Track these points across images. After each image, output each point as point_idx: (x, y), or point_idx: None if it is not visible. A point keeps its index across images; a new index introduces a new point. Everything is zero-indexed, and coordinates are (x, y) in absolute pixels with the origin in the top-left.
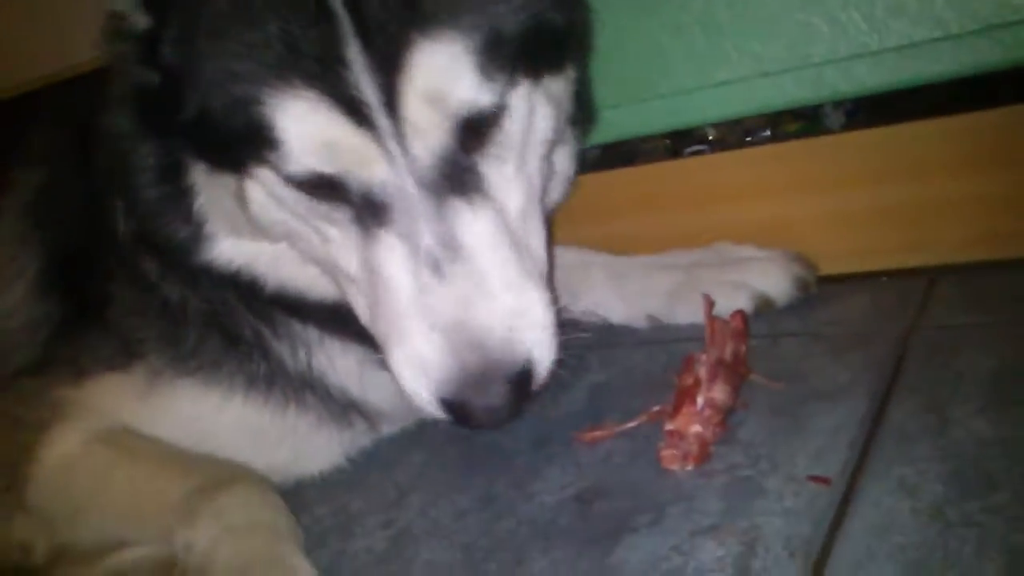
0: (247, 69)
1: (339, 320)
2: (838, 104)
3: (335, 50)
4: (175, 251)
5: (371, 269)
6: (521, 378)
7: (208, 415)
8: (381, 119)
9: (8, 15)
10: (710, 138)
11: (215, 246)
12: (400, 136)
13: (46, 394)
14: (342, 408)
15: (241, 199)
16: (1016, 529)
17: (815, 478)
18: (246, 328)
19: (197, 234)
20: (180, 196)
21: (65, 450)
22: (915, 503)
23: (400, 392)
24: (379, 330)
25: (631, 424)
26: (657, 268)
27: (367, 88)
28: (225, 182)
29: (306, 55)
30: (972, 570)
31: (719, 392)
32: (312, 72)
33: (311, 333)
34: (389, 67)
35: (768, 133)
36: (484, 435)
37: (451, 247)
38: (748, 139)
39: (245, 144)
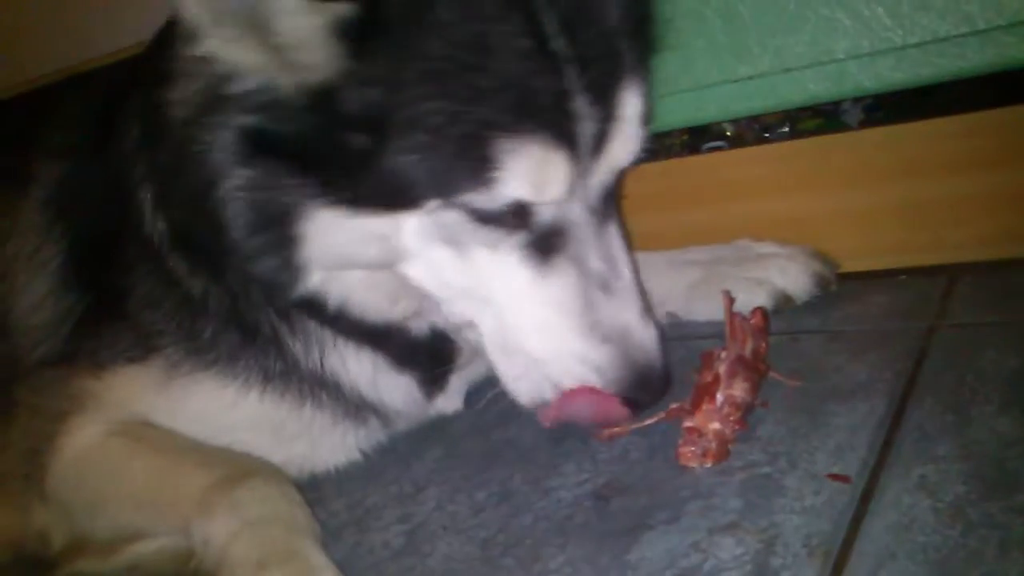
0: (475, 111)
1: (378, 335)
2: (857, 100)
3: (561, 92)
4: (269, 288)
5: (535, 289)
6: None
7: (225, 409)
8: (587, 155)
9: (21, 11)
10: (728, 134)
11: (308, 280)
12: (589, 174)
13: (66, 385)
14: (356, 407)
15: (376, 237)
16: None
17: (835, 476)
18: (265, 325)
19: (295, 276)
20: (283, 243)
21: (84, 441)
22: (936, 502)
23: (414, 397)
24: (523, 344)
25: (649, 421)
26: (676, 264)
27: (587, 129)
28: (362, 224)
29: (536, 97)
30: (994, 570)
31: (738, 389)
32: (542, 114)
33: (325, 333)
34: (604, 111)
35: (786, 130)
36: (502, 430)
37: (612, 266)
38: (766, 135)
39: (445, 181)
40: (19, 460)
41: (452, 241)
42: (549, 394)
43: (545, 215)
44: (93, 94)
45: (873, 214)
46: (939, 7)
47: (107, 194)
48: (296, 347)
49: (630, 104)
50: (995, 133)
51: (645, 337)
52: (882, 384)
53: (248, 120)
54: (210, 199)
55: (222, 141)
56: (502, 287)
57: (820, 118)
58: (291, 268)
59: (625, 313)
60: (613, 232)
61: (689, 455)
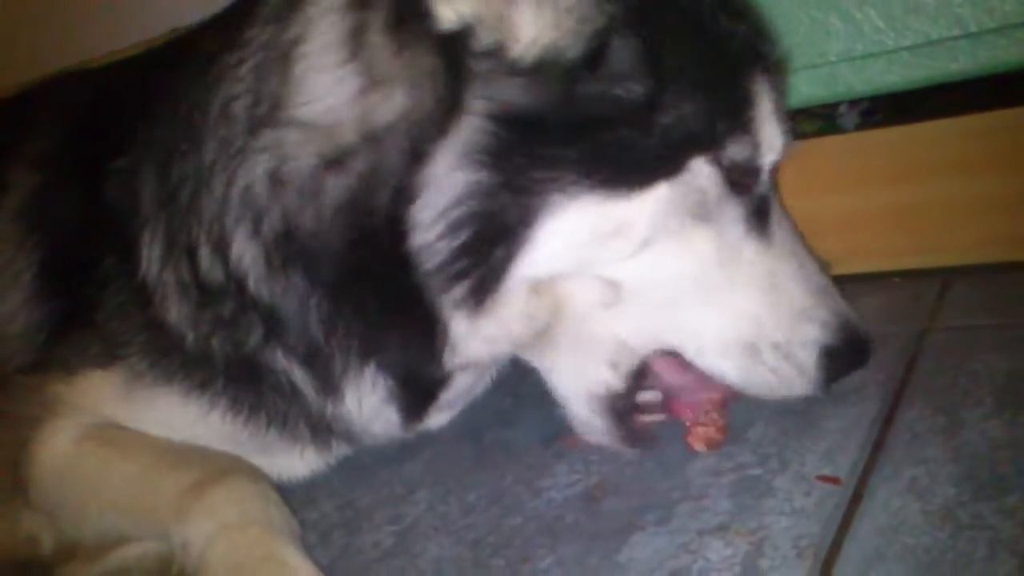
0: (728, 52)
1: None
2: (853, 104)
3: (776, 50)
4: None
5: (761, 259)
6: None
7: (186, 424)
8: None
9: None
10: None
11: (505, 309)
12: None
13: (39, 392)
14: (328, 432)
15: (621, 227)
16: None
17: (825, 478)
18: (273, 370)
19: (485, 299)
20: (496, 260)
21: (57, 448)
22: (926, 504)
23: (394, 424)
24: (760, 322)
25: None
26: None
27: (784, 89)
28: (613, 210)
29: (768, 45)
30: (983, 572)
31: None
32: (771, 60)
33: (351, 374)
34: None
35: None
36: (494, 432)
37: (797, 240)
38: None
39: (714, 129)
40: (2, 468)
41: (699, 218)
42: (789, 373)
43: (763, 180)
44: (73, 99)
45: (867, 217)
46: (931, 10)
47: (83, 207)
48: (307, 390)
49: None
50: (989, 137)
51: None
52: (874, 386)
53: (506, 96)
54: (394, 221)
55: (454, 139)
56: (731, 258)
57: (817, 121)
58: (487, 289)
59: (821, 276)
60: (783, 211)
61: (699, 436)
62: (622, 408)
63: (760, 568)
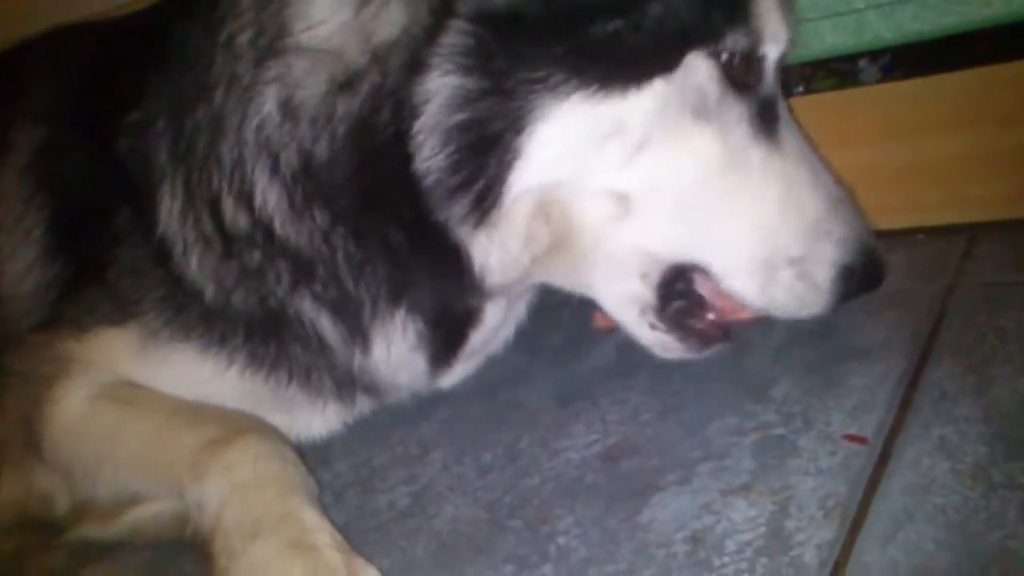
0: None
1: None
2: (874, 59)
3: None
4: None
5: (772, 163)
6: None
7: (202, 381)
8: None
9: None
10: None
11: (500, 222)
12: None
13: (51, 349)
14: (352, 385)
15: (618, 129)
16: None
17: (851, 437)
18: (300, 320)
19: (484, 216)
20: (491, 168)
21: (71, 407)
22: (956, 464)
23: (421, 372)
24: (774, 237)
25: None
26: None
27: None
28: (607, 111)
29: None
30: (1016, 532)
31: None
32: None
33: (380, 320)
34: None
35: (800, 90)
36: (509, 391)
37: (808, 147)
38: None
39: (708, 18)
40: (16, 427)
41: (700, 117)
42: (804, 292)
43: (768, 78)
44: (78, 51)
45: (890, 171)
46: None
47: (90, 161)
48: (331, 332)
49: None
50: (1014, 87)
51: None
52: (900, 344)
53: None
54: (398, 139)
55: (443, 45)
56: (741, 165)
57: (836, 77)
58: (488, 202)
59: (837, 186)
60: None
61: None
62: (672, 315)
63: (786, 529)
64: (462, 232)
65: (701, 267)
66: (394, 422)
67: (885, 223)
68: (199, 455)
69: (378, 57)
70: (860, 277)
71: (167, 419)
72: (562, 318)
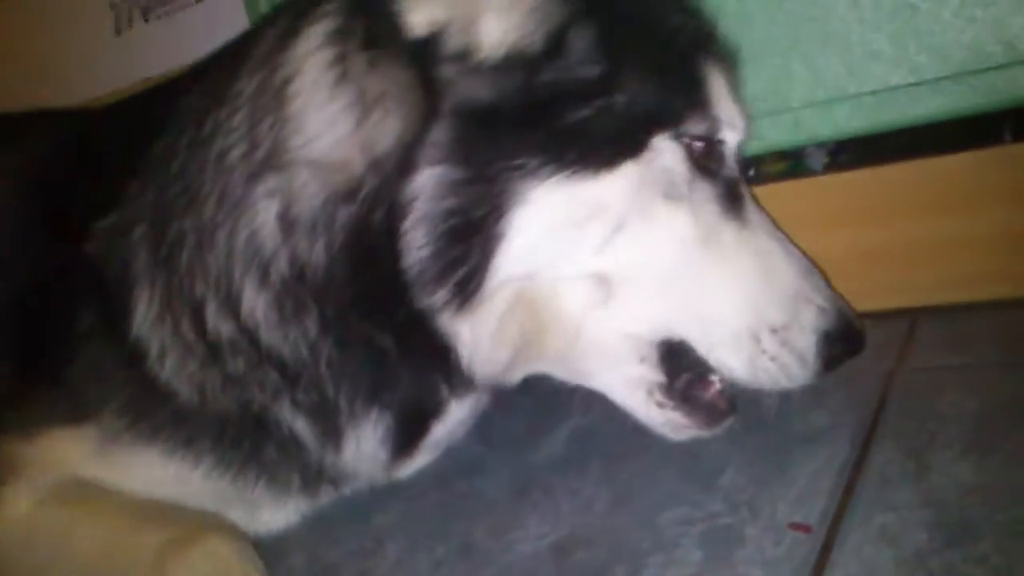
0: (682, 36)
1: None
2: (821, 144)
3: (724, 49)
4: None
5: (745, 239)
6: None
7: (163, 482)
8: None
9: None
10: None
11: (482, 309)
12: None
13: None
14: (316, 479)
15: (595, 209)
16: None
17: (796, 525)
18: (277, 423)
19: (469, 301)
20: (474, 254)
21: (16, 511)
22: (897, 552)
23: (383, 464)
24: (759, 308)
25: None
26: None
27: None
28: (582, 192)
29: (717, 42)
30: None
31: None
32: (720, 55)
33: (355, 420)
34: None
35: (751, 174)
36: (465, 481)
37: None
38: None
39: (671, 106)
40: None
41: (670, 198)
42: (789, 361)
43: (729, 162)
44: (56, 143)
45: (836, 257)
46: (889, 57)
47: (61, 266)
48: (306, 434)
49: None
50: (953, 178)
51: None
52: (844, 429)
53: (471, 93)
54: (390, 238)
55: (431, 143)
56: (715, 242)
57: (785, 162)
58: (471, 288)
59: (806, 260)
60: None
61: None
62: (679, 394)
63: None
64: (444, 320)
65: (686, 342)
66: (349, 513)
67: None
68: (159, 557)
69: (377, 164)
70: (842, 343)
71: (123, 520)
72: (521, 404)
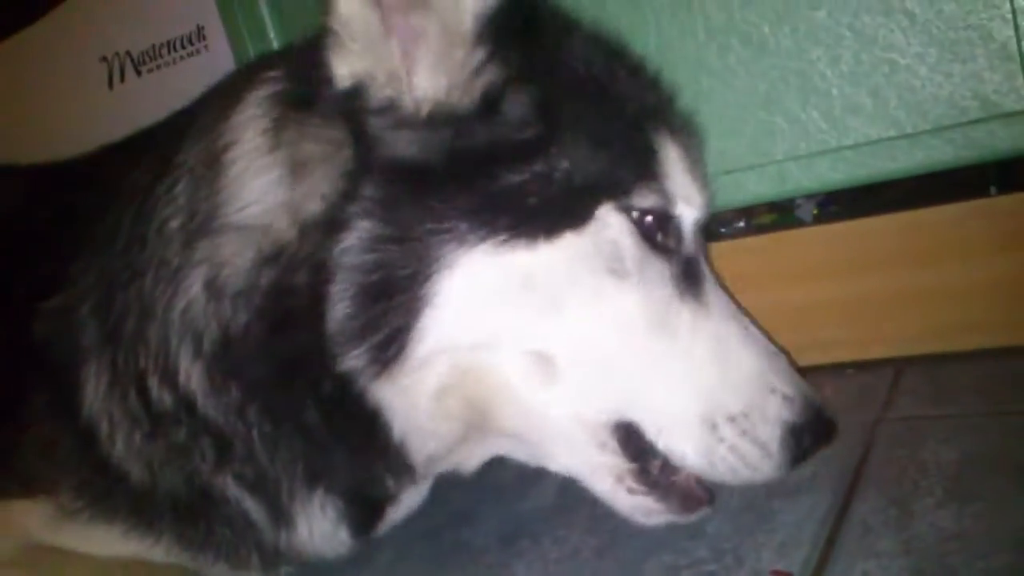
0: (630, 106)
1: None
2: (810, 196)
3: (682, 121)
4: (341, 391)
5: (702, 323)
6: None
7: (125, 555)
8: (703, 173)
9: None
10: None
11: (405, 375)
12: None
13: None
14: (275, 558)
15: (528, 284)
16: None
17: (779, 573)
18: (226, 499)
19: (393, 363)
20: (398, 315)
21: None
22: None
23: (343, 542)
24: (715, 398)
25: None
26: None
27: (697, 156)
28: (516, 262)
29: (672, 111)
30: None
31: None
32: (678, 124)
33: (300, 500)
34: (701, 155)
35: (742, 224)
36: (453, 532)
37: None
38: (722, 230)
39: (617, 176)
40: None
41: (616, 274)
42: (751, 452)
43: (687, 239)
44: None
45: (821, 308)
46: (869, 112)
47: (5, 350)
48: (260, 519)
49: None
50: (936, 229)
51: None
52: (827, 478)
53: (399, 149)
54: (314, 300)
55: (360, 192)
56: (668, 324)
57: (775, 213)
58: (393, 351)
59: (771, 346)
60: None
61: None
62: (652, 480)
63: None
64: (368, 385)
65: (636, 425)
66: (338, 565)
67: (817, 357)
68: None
69: (305, 227)
70: (811, 434)
71: None
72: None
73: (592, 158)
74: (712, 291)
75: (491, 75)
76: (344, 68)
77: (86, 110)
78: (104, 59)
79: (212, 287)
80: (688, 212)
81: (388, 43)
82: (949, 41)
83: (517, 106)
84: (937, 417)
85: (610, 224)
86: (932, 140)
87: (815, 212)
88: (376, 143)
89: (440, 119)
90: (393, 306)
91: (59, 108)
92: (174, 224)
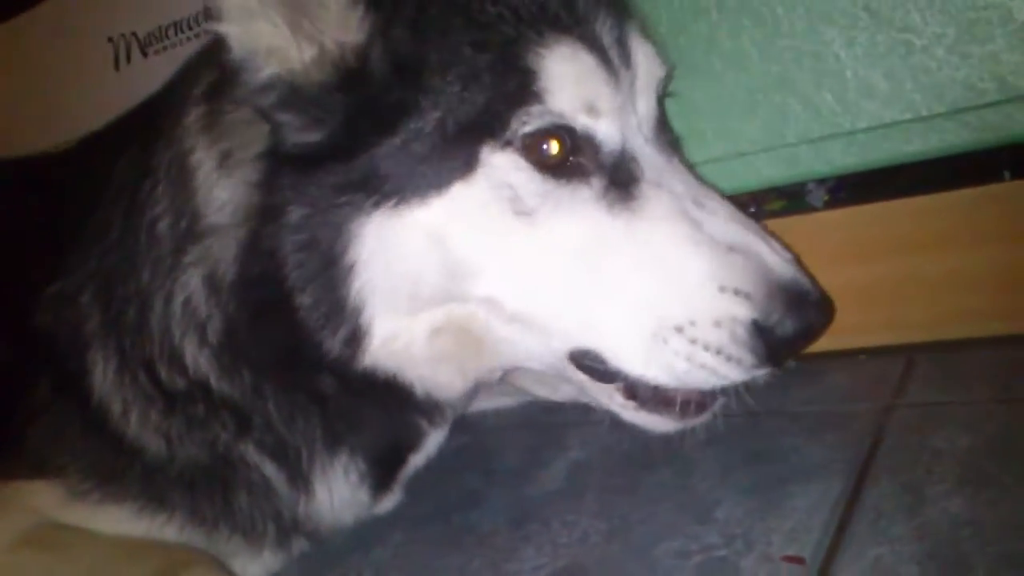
0: (501, 31)
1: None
2: (821, 182)
3: (580, 9)
4: (333, 367)
5: (635, 230)
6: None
7: (136, 534)
8: (622, 71)
9: None
10: None
11: (369, 339)
12: (632, 93)
13: None
14: (292, 533)
15: (436, 239)
16: None
17: (789, 558)
18: (247, 465)
19: (354, 335)
20: (336, 284)
21: None
22: None
23: (363, 504)
24: (657, 310)
25: None
26: None
27: (609, 42)
28: (416, 220)
29: (558, 12)
30: None
31: None
32: (567, 25)
33: (320, 465)
34: (622, 32)
35: (752, 211)
36: (462, 514)
37: (697, 197)
38: None
39: (495, 110)
40: None
41: (523, 213)
42: (710, 360)
43: (608, 147)
44: None
45: (833, 294)
46: (884, 94)
47: (9, 339)
48: (281, 487)
49: (639, 36)
50: (949, 215)
51: (775, 250)
52: (839, 464)
53: (291, 130)
54: (278, 281)
55: (278, 189)
56: (599, 245)
57: (785, 199)
58: (346, 318)
59: (739, 228)
60: (682, 169)
61: None
62: (638, 396)
63: None
64: (359, 363)
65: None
66: (348, 545)
67: (829, 344)
68: None
69: (257, 216)
70: (788, 322)
71: (102, 558)
72: (519, 438)
73: (463, 100)
74: (653, 193)
75: (355, 38)
76: (235, 42)
77: (92, 91)
78: (110, 40)
79: (211, 281)
80: (597, 121)
81: (260, 18)
82: (967, 21)
83: (379, 67)
84: (950, 404)
85: (497, 165)
86: (947, 123)
87: (825, 198)
88: (276, 125)
89: (316, 95)
90: (329, 280)
91: (65, 88)
92: (163, 225)
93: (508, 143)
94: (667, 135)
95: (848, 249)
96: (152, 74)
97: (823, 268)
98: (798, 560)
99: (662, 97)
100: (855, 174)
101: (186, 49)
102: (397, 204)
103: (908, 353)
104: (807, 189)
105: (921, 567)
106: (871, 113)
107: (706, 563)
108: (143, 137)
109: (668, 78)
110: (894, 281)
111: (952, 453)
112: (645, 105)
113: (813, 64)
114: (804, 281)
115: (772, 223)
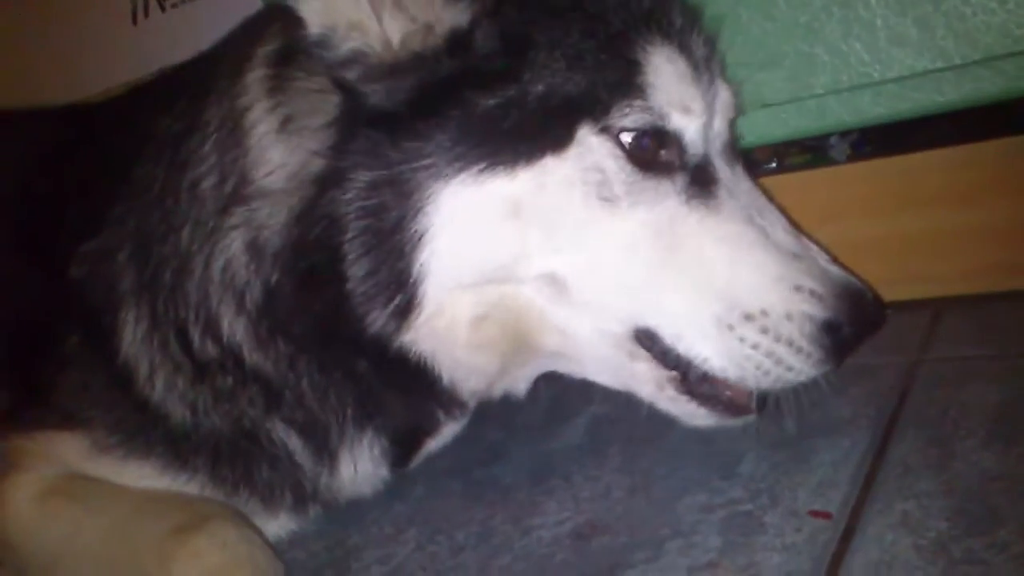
0: (611, 22)
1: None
2: (844, 136)
3: (678, 22)
4: (372, 340)
5: (710, 226)
6: None
7: (157, 487)
8: (709, 86)
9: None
10: None
11: (417, 318)
12: (712, 109)
13: None
14: (314, 502)
15: (517, 209)
16: (1022, 566)
17: (816, 512)
18: (272, 440)
19: (408, 305)
20: (400, 253)
21: (21, 504)
22: (918, 539)
23: (382, 478)
24: (728, 298)
25: None
26: None
27: (700, 57)
28: (500, 189)
29: (661, 18)
30: None
31: None
32: (668, 31)
33: (347, 441)
34: (710, 53)
35: (774, 165)
36: (484, 469)
37: (760, 209)
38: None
39: (597, 94)
40: None
41: (607, 199)
42: (779, 351)
43: (693, 148)
44: (19, 167)
45: (858, 248)
46: (915, 42)
47: (43, 291)
48: (305, 460)
49: (719, 53)
50: (978, 167)
51: (830, 260)
52: (865, 419)
53: (376, 95)
54: (331, 250)
55: (351, 144)
56: (674, 233)
57: (808, 154)
58: (403, 287)
59: (797, 238)
60: (746, 179)
61: None
62: (692, 387)
63: None
64: (403, 340)
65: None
66: (369, 501)
67: None
68: (165, 543)
69: (315, 182)
70: (851, 325)
71: (128, 509)
72: (538, 393)
73: (567, 79)
74: (727, 196)
75: (457, 19)
76: (314, 18)
77: (110, 45)
78: None
79: (253, 247)
80: (688, 122)
81: None
82: None
83: (486, 40)
84: (979, 358)
85: (592, 148)
86: (981, 71)
87: (848, 152)
88: (354, 93)
89: (407, 66)
90: (393, 248)
91: (83, 43)
92: (206, 185)
93: (605, 129)
94: (735, 153)
95: (873, 202)
96: (170, 29)
97: (848, 221)
98: (825, 515)
99: (734, 120)
100: (878, 128)
101: (204, 4)
102: (482, 171)
103: (935, 307)
104: (830, 143)
105: (950, 522)
106: (901, 62)
107: (730, 517)
108: (193, 91)
109: (738, 116)
110: (921, 233)
111: (980, 407)
112: (720, 124)
113: (842, 12)
114: (861, 285)
115: (795, 177)
